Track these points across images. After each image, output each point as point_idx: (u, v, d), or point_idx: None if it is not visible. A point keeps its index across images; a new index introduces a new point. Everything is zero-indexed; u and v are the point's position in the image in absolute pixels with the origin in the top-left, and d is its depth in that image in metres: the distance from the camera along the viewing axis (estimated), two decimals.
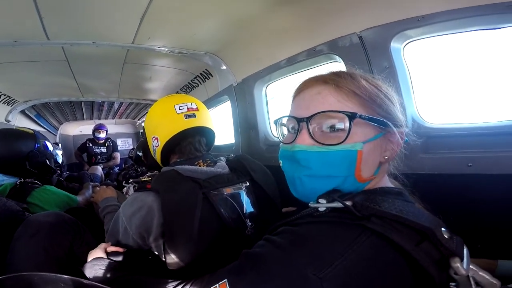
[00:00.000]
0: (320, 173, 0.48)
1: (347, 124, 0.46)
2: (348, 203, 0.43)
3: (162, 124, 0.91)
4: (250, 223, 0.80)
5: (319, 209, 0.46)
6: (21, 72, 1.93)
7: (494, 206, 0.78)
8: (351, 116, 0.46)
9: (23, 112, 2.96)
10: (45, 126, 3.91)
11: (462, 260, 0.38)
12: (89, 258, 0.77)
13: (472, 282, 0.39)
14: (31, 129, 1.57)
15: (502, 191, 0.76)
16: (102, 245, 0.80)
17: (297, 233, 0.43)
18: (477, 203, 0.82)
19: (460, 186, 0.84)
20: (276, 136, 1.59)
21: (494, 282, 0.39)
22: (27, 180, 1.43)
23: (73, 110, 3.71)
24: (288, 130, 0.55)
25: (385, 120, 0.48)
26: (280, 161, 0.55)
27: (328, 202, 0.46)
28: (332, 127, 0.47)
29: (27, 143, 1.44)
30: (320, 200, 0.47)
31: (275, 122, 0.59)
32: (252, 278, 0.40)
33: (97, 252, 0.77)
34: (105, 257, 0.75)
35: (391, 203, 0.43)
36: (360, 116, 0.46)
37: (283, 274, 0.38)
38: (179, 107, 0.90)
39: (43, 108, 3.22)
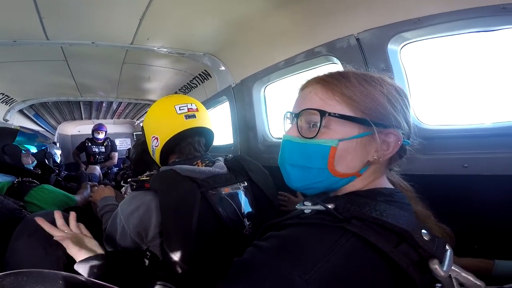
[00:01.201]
0: (298, 162, 0.54)
1: (319, 121, 0.50)
2: (330, 206, 0.46)
3: (162, 124, 0.91)
4: (248, 223, 0.81)
5: (305, 211, 0.49)
6: (20, 71, 1.92)
7: (490, 206, 0.79)
8: (322, 114, 0.50)
9: (21, 111, 2.96)
10: (43, 126, 3.90)
11: (441, 261, 0.39)
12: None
13: (455, 283, 0.39)
14: (27, 128, 1.58)
15: (498, 192, 0.77)
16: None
17: (282, 236, 0.44)
18: (473, 204, 0.82)
19: (456, 186, 0.85)
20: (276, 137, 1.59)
21: (478, 283, 0.39)
22: (24, 179, 1.42)
23: (72, 109, 3.70)
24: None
25: (369, 120, 0.48)
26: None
27: (313, 204, 0.48)
28: (312, 123, 0.52)
29: (4, 137, 1.44)
30: (305, 203, 0.50)
31: (284, 115, 0.63)
32: (244, 285, 0.40)
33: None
34: None
35: (373, 205, 0.44)
36: (330, 114, 0.49)
37: (270, 279, 0.39)
38: (180, 107, 0.90)
39: (41, 107, 3.22)
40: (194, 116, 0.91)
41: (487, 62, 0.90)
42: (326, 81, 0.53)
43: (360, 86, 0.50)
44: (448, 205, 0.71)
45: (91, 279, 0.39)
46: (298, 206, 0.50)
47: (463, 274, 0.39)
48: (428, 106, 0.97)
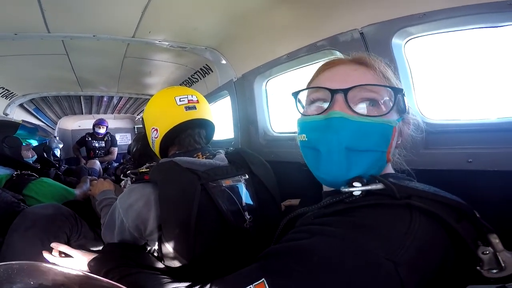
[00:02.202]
0: (359, 146, 0.45)
1: (391, 99, 0.46)
2: (388, 183, 0.42)
3: (162, 115, 0.91)
4: (248, 216, 0.80)
5: (354, 193, 0.44)
6: (21, 65, 1.91)
7: (494, 201, 0.78)
8: (396, 91, 0.46)
9: (21, 105, 2.95)
10: (43, 120, 3.89)
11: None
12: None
13: (501, 260, 0.37)
14: (29, 122, 1.58)
15: (502, 187, 0.76)
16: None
17: (349, 220, 0.41)
18: (477, 199, 0.81)
19: (460, 182, 0.84)
20: (277, 131, 1.57)
21: None
22: (23, 172, 1.42)
23: (72, 104, 3.69)
24: (311, 103, 0.52)
25: (407, 106, 0.49)
26: (303, 135, 0.51)
27: (363, 185, 0.44)
28: (373, 101, 0.46)
29: (6, 129, 1.45)
30: (354, 184, 0.44)
31: (295, 94, 0.55)
32: (304, 273, 0.37)
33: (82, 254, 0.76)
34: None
35: (420, 184, 0.43)
36: (403, 94, 0.47)
37: (347, 264, 0.36)
38: (180, 98, 0.90)
39: (41, 102, 3.21)
40: (194, 107, 0.90)
41: (492, 58, 0.89)
42: (371, 64, 0.50)
43: (392, 74, 0.51)
44: None
45: (85, 273, 0.38)
46: (343, 189, 0.45)
47: (505, 252, 0.38)
48: (432, 100, 0.96)
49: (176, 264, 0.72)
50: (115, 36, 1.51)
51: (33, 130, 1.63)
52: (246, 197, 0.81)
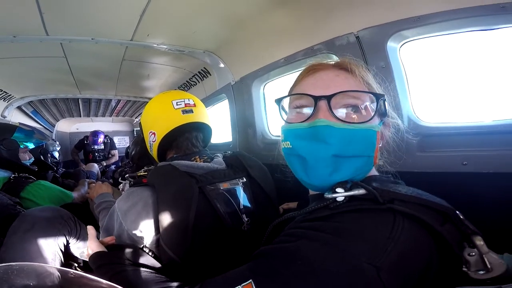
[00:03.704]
0: (345, 152, 0.45)
1: (373, 104, 0.47)
2: (370, 188, 0.42)
3: (159, 119, 0.91)
4: (246, 219, 0.80)
5: (337, 199, 0.44)
6: (19, 68, 1.91)
7: (488, 203, 0.79)
8: (378, 97, 0.47)
9: (19, 108, 2.94)
10: (41, 123, 3.87)
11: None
12: (88, 251, 0.74)
13: (487, 261, 0.38)
14: (26, 125, 1.58)
15: (497, 189, 0.77)
16: (97, 241, 0.76)
17: (332, 225, 0.41)
18: (472, 201, 0.82)
19: (455, 184, 0.85)
20: (276, 135, 1.58)
21: (502, 262, 0.38)
22: (21, 174, 1.42)
23: (70, 107, 3.68)
24: (294, 109, 0.52)
25: (387, 110, 0.50)
26: (287, 142, 0.51)
27: (346, 190, 0.44)
28: (355, 107, 0.47)
29: (3, 132, 1.45)
30: (337, 190, 0.44)
31: (278, 100, 0.55)
32: (288, 276, 0.38)
33: (95, 246, 0.74)
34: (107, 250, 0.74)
35: (404, 187, 0.43)
36: (383, 99, 0.48)
37: (330, 269, 0.36)
38: (177, 102, 0.90)
39: (40, 104, 3.19)
40: (191, 111, 0.90)
41: (486, 61, 0.90)
42: (353, 69, 0.50)
43: (374, 78, 0.52)
44: (447, 202, 0.71)
45: (83, 273, 0.38)
46: (327, 195, 0.45)
47: (490, 253, 0.38)
48: (427, 103, 0.97)
49: (173, 265, 0.71)
50: (113, 39, 1.51)
51: (29, 133, 1.63)
52: (244, 200, 0.82)
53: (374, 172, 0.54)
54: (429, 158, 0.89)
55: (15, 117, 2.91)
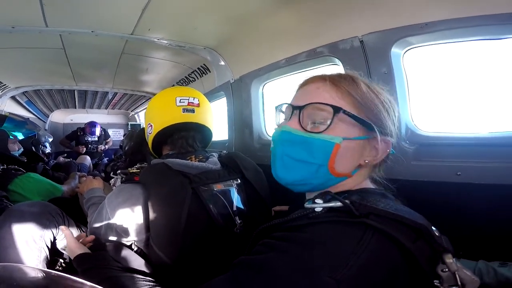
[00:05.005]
0: (298, 156, 0.52)
1: (330, 116, 0.50)
2: (346, 201, 0.44)
3: (158, 113, 0.90)
4: (239, 221, 0.79)
5: (316, 209, 0.46)
6: (16, 58, 1.87)
7: (479, 214, 0.80)
8: (336, 110, 0.50)
9: (13, 97, 2.88)
10: (35, 113, 3.80)
11: (453, 256, 0.40)
12: (70, 253, 0.72)
13: (458, 278, 0.40)
14: (17, 115, 1.54)
15: (489, 200, 0.78)
16: (76, 241, 0.75)
17: (302, 236, 0.42)
18: (463, 210, 0.83)
19: (448, 194, 0.85)
20: (270, 135, 1.57)
21: (475, 279, 0.40)
22: (10, 166, 1.38)
23: (65, 97, 3.61)
24: (285, 116, 0.60)
25: (372, 124, 0.51)
26: (272, 144, 0.59)
27: (325, 202, 0.47)
28: (319, 118, 0.51)
29: None
30: (316, 201, 0.47)
31: (277, 107, 0.62)
32: (259, 287, 0.39)
33: (75, 246, 0.73)
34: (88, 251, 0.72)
35: (385, 202, 0.44)
36: (344, 112, 0.50)
37: (295, 281, 0.37)
38: (180, 99, 0.89)
39: (34, 94, 3.14)
40: (192, 110, 0.89)
41: (489, 71, 0.90)
42: (337, 81, 0.53)
43: (368, 92, 0.53)
44: (440, 211, 0.71)
45: (68, 276, 0.36)
46: (307, 205, 0.48)
47: (464, 270, 0.40)
48: (426, 112, 0.97)
49: (163, 266, 0.70)
50: (114, 33, 1.49)
51: (20, 123, 1.59)
52: (237, 202, 0.81)
53: (366, 184, 0.56)
54: (424, 167, 0.90)
55: (8, 107, 2.86)
